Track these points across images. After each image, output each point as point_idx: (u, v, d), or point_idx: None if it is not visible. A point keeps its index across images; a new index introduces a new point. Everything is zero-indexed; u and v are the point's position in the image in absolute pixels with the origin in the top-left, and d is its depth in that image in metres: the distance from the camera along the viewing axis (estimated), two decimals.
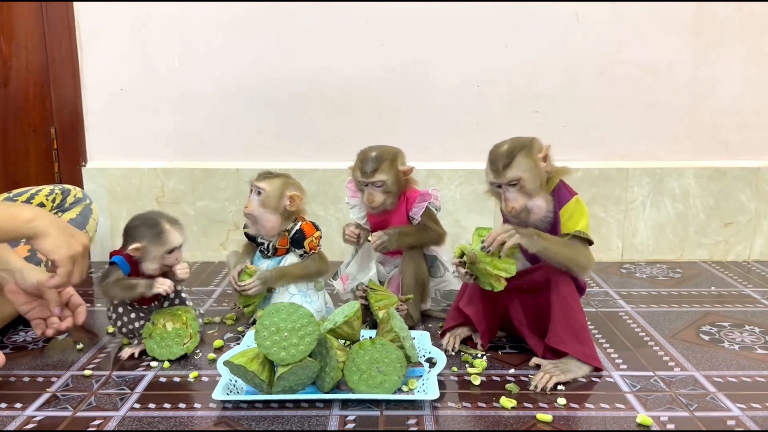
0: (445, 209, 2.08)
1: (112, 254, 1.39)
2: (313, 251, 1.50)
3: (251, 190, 1.48)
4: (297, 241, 1.48)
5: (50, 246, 1.22)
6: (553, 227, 1.29)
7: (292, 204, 1.47)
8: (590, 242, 1.30)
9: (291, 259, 1.50)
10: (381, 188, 1.49)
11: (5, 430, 1.09)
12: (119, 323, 1.39)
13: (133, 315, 1.39)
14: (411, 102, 2.08)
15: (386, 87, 2.07)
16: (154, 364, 1.34)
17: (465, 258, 1.29)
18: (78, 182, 2.10)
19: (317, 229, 1.51)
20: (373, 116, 2.09)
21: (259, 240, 1.51)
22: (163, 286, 1.35)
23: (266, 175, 1.48)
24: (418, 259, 1.53)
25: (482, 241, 1.26)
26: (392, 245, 1.50)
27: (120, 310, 1.39)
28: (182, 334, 1.37)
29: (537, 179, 1.27)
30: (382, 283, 1.54)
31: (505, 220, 1.36)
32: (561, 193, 1.30)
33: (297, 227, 1.48)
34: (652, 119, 2.09)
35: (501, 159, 1.27)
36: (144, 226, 1.37)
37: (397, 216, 1.53)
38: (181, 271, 1.41)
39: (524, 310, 1.37)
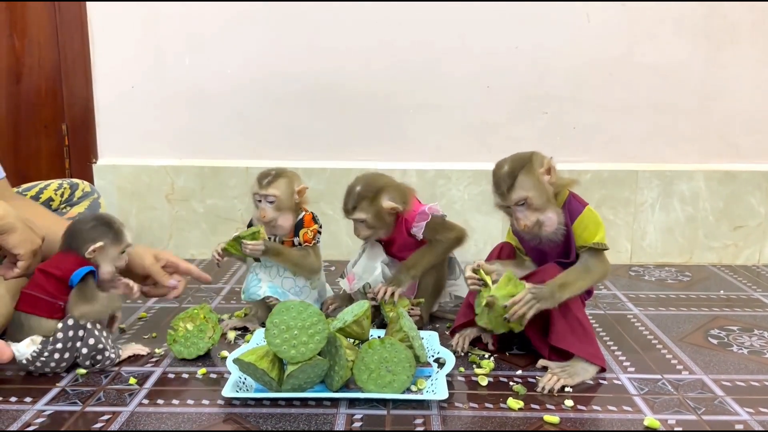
0: (452, 210, 2.09)
1: (66, 272, 1.27)
2: (306, 243, 1.50)
3: (258, 200, 1.48)
4: (297, 227, 1.50)
5: (16, 241, 1.26)
6: (566, 240, 1.29)
7: (300, 196, 1.50)
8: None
9: None
10: (363, 224, 1.48)
11: (13, 427, 1.09)
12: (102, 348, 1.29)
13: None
14: (420, 102, 2.08)
15: (396, 87, 2.07)
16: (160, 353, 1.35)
17: (484, 300, 1.27)
18: (88, 179, 2.11)
19: (316, 222, 1.52)
20: (383, 116, 2.09)
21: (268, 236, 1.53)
22: (134, 286, 1.33)
23: (268, 180, 1.47)
24: (439, 264, 1.53)
25: (505, 310, 1.24)
26: (404, 285, 1.46)
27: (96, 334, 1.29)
28: (204, 329, 1.38)
29: (543, 194, 1.26)
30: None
31: (517, 234, 1.36)
32: (572, 206, 1.30)
33: (301, 216, 1.51)
34: (662, 121, 2.09)
35: (504, 182, 1.26)
36: (101, 225, 1.31)
37: (399, 236, 1.51)
38: (136, 287, 1.37)
39: None
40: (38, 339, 1.25)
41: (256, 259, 1.51)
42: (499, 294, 1.25)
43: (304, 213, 1.52)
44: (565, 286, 1.25)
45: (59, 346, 1.25)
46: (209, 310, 1.41)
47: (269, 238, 1.51)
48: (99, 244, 1.29)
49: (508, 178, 1.25)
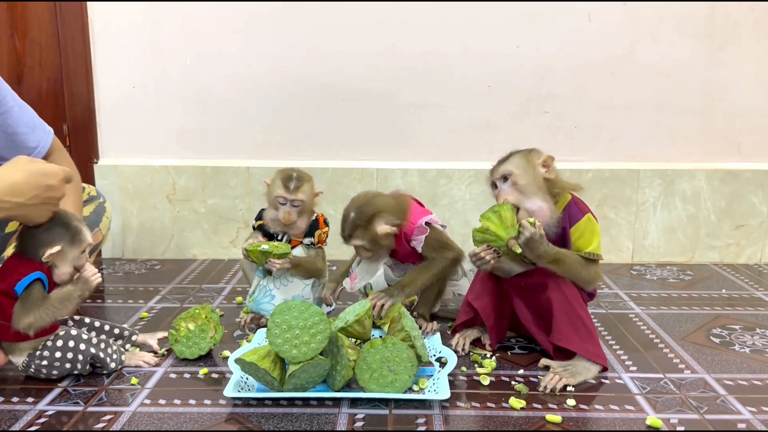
0: (454, 209, 2.09)
1: (11, 284, 1.18)
2: (319, 245, 1.54)
3: (282, 203, 1.48)
4: (311, 228, 1.52)
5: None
6: (562, 244, 1.30)
7: (316, 197, 1.54)
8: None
9: (298, 252, 1.53)
10: (362, 248, 1.47)
11: (15, 428, 1.09)
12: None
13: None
14: (421, 102, 2.08)
15: (397, 87, 2.07)
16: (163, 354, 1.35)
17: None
18: (90, 179, 2.12)
19: (327, 225, 1.55)
20: (384, 116, 2.09)
21: (273, 233, 1.55)
22: (96, 275, 1.25)
23: (295, 184, 1.47)
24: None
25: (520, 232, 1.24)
26: (396, 300, 1.41)
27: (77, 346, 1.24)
28: (206, 329, 1.38)
29: (531, 179, 1.29)
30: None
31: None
32: (572, 211, 1.31)
33: (314, 217, 1.54)
34: (664, 120, 2.08)
35: (500, 160, 1.34)
36: (58, 227, 1.21)
37: (401, 248, 1.50)
38: (93, 275, 1.26)
39: (529, 309, 1.37)
40: (26, 351, 1.23)
41: (268, 271, 1.52)
42: (508, 234, 1.24)
43: (316, 215, 1.54)
44: (559, 259, 1.26)
45: (45, 363, 1.22)
46: (211, 310, 1.41)
47: (278, 236, 1.53)
48: (56, 248, 1.20)
49: (505, 157, 1.33)
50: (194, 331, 1.37)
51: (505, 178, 1.30)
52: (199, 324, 1.37)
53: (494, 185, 1.34)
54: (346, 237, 1.46)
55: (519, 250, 1.24)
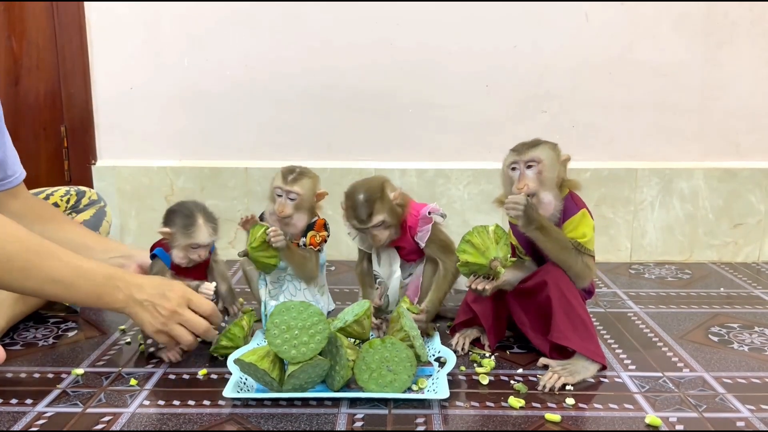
0: (452, 209, 2.09)
1: (153, 247, 1.40)
2: (311, 246, 1.49)
3: (279, 195, 1.46)
4: (307, 229, 1.50)
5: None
6: None
7: (318, 200, 1.50)
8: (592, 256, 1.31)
9: None
10: (382, 226, 1.43)
11: (15, 428, 1.09)
12: None
13: None
14: (419, 102, 2.08)
15: (395, 86, 2.07)
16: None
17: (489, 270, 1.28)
18: (88, 180, 2.12)
19: (326, 229, 1.51)
20: (382, 116, 2.09)
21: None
22: (208, 291, 1.34)
23: (294, 177, 1.45)
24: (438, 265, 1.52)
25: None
26: (431, 316, 1.43)
27: None
28: (239, 334, 1.37)
29: (554, 173, 1.29)
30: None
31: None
32: (568, 204, 1.31)
33: (314, 219, 1.51)
34: (662, 120, 2.09)
35: (526, 143, 1.31)
36: (179, 214, 1.36)
37: (407, 243, 1.49)
38: (205, 289, 1.35)
39: (525, 312, 1.37)
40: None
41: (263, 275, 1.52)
42: (502, 255, 1.27)
43: (317, 218, 1.51)
44: (546, 227, 1.25)
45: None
46: (253, 320, 1.40)
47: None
48: (165, 229, 1.36)
49: (533, 142, 1.31)
50: (232, 330, 1.36)
51: (531, 164, 1.28)
52: (240, 326, 1.36)
53: (513, 167, 1.30)
54: (366, 218, 1.40)
55: (503, 271, 1.26)
